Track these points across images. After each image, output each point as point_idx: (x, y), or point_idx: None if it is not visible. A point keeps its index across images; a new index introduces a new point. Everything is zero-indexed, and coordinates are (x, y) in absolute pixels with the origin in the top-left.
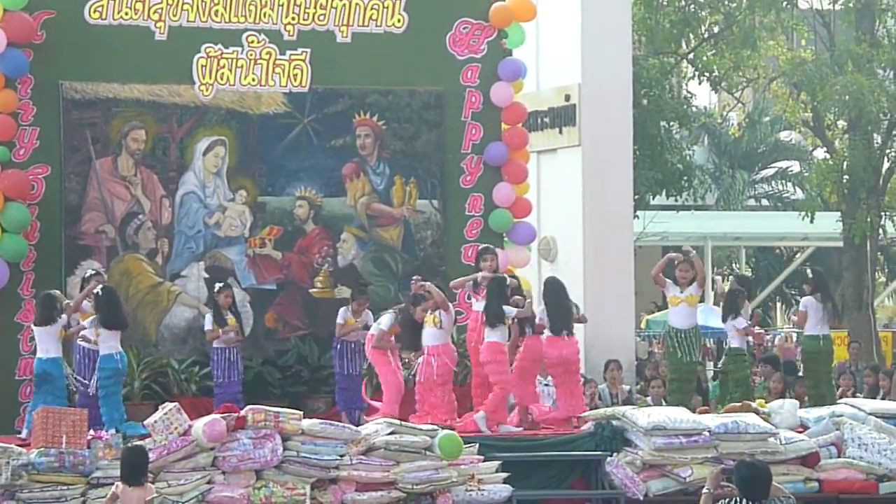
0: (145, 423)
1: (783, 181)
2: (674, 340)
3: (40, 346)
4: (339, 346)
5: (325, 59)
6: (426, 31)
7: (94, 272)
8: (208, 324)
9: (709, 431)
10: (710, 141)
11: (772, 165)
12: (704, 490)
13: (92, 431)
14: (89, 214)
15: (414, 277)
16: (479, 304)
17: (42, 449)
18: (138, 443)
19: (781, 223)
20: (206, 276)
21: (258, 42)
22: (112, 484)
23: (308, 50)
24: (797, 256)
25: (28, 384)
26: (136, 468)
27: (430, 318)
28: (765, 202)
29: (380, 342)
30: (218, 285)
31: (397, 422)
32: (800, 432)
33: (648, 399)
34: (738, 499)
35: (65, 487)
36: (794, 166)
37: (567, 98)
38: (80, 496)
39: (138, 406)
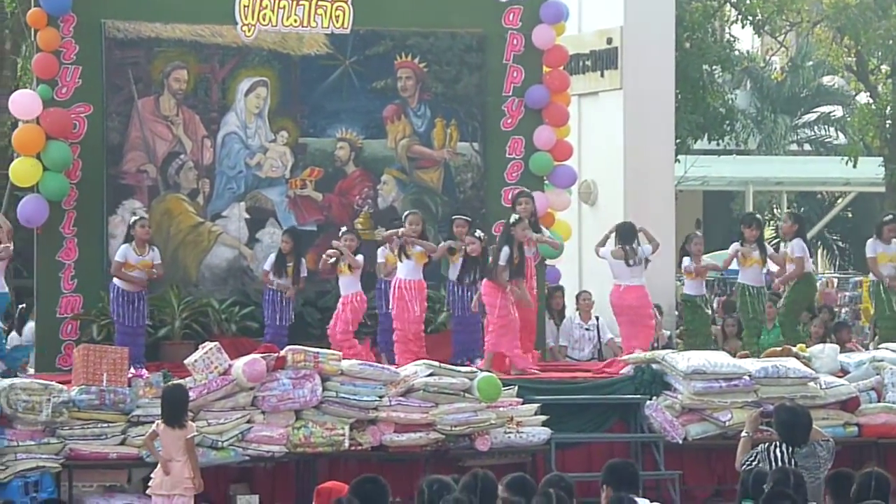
0: (185, 361)
1: (825, 126)
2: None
3: None
4: (381, 286)
5: (368, 0)
6: None
7: (139, 217)
8: (267, 265)
9: (749, 376)
10: (753, 85)
11: (814, 110)
12: (743, 434)
13: (132, 369)
14: (131, 154)
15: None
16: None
17: (83, 386)
18: (179, 381)
19: (823, 168)
20: (247, 216)
21: None
22: (152, 422)
23: None
24: (839, 201)
25: (70, 322)
26: (176, 407)
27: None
28: (807, 147)
29: None
30: (285, 231)
31: (436, 364)
32: (840, 377)
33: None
34: (777, 443)
35: (105, 425)
36: (837, 111)
37: (609, 41)
38: (121, 433)
39: (178, 345)
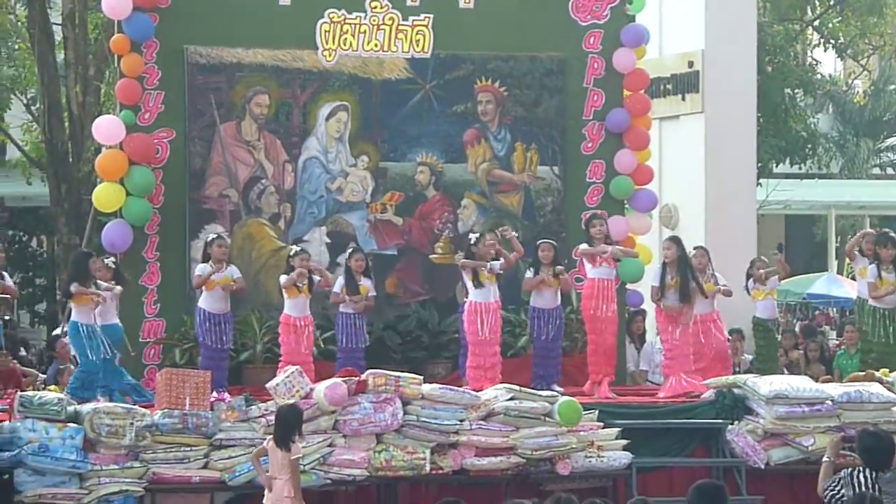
0: (267, 385)
1: None
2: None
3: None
4: (461, 310)
5: (448, 24)
6: None
7: (216, 235)
8: (336, 287)
9: (831, 400)
10: (835, 109)
11: None
12: (825, 458)
13: (215, 393)
14: (213, 178)
15: None
16: (594, 272)
17: (166, 410)
18: (293, 402)
19: None
20: (328, 241)
21: (381, 7)
22: (235, 446)
23: (430, 15)
24: None
25: (153, 346)
26: (286, 427)
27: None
28: (889, 170)
29: None
30: (349, 249)
31: (517, 387)
32: None
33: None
34: (861, 468)
35: (188, 448)
36: None
37: (690, 64)
38: (203, 457)
39: (260, 369)
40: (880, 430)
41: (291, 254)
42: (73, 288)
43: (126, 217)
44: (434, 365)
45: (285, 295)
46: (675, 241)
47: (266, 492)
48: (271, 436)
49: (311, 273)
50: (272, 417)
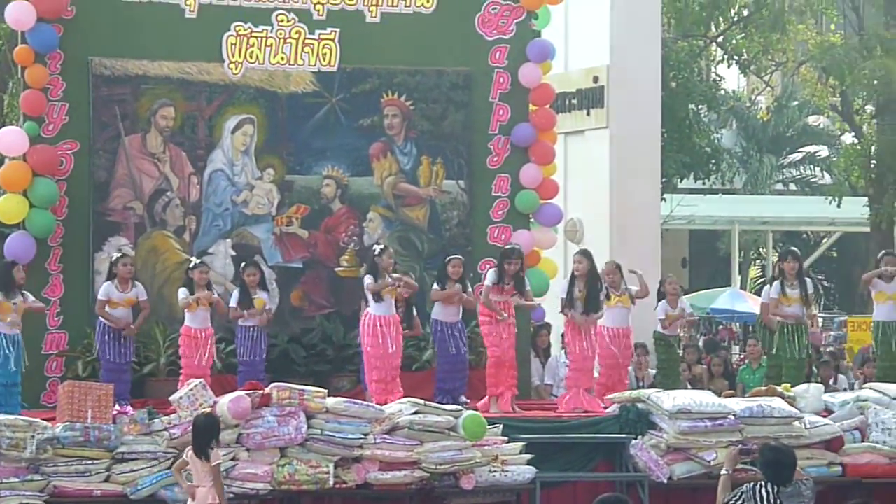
0: (170, 398)
1: (811, 165)
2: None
3: None
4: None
5: (354, 38)
6: (455, 12)
7: (121, 254)
8: (233, 301)
9: (734, 415)
10: (739, 124)
11: (800, 149)
12: (723, 472)
13: (118, 406)
14: (118, 191)
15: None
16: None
17: (67, 423)
18: (208, 411)
19: (809, 207)
20: (233, 253)
21: (288, 21)
22: (137, 459)
23: (337, 29)
24: (824, 241)
25: (55, 359)
26: (205, 438)
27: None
28: (792, 186)
29: None
30: (244, 263)
31: (421, 401)
32: (824, 416)
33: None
34: (763, 482)
35: (90, 462)
36: (822, 151)
37: (595, 80)
38: (105, 471)
39: (164, 381)
40: (781, 445)
41: (191, 266)
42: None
43: (29, 229)
44: (338, 378)
45: (181, 305)
46: (586, 254)
47: (189, 500)
48: (190, 447)
49: (212, 289)
50: (175, 430)
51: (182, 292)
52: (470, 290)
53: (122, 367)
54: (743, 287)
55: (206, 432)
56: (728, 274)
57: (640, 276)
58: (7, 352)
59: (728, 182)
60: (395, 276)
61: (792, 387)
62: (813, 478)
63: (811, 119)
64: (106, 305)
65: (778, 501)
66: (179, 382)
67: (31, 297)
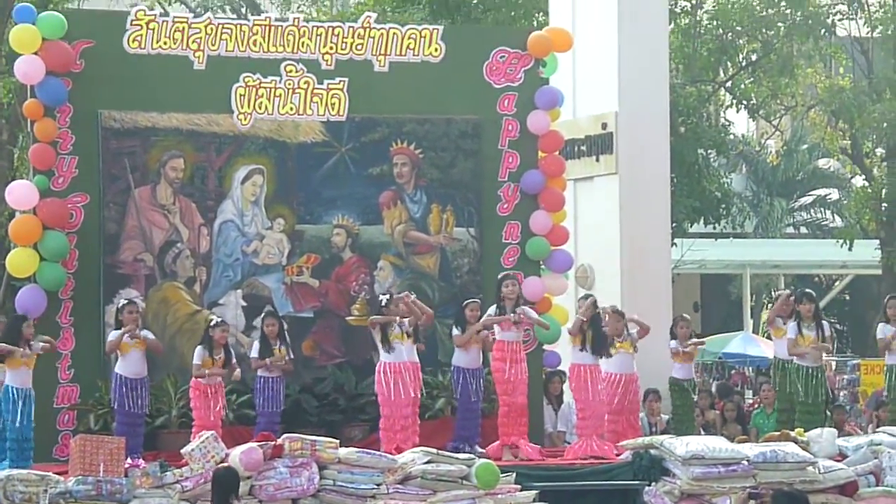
0: (182, 450)
1: (822, 209)
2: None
3: None
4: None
5: (363, 87)
6: (463, 60)
7: (126, 301)
8: (253, 352)
9: (747, 461)
10: (749, 168)
11: (810, 193)
12: None
13: (129, 460)
14: (128, 243)
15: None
16: (503, 334)
17: (80, 477)
18: (228, 465)
19: (820, 251)
20: (244, 304)
21: (296, 71)
22: None
23: (346, 79)
24: (836, 284)
25: (67, 412)
26: (226, 491)
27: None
28: (803, 230)
29: None
30: (263, 312)
31: (434, 450)
32: (838, 461)
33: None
34: None
35: None
36: (833, 194)
37: (604, 126)
38: None
39: (175, 434)
40: (794, 491)
41: (212, 324)
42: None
43: (40, 282)
44: (351, 428)
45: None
46: (587, 298)
47: None
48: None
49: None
50: (187, 483)
51: (198, 355)
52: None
53: (136, 420)
54: (755, 331)
55: (226, 485)
56: (740, 318)
57: (637, 319)
58: (18, 406)
59: (739, 226)
60: (410, 299)
61: (806, 431)
62: None
63: (821, 162)
64: (116, 345)
65: None
66: (192, 435)
67: (38, 345)
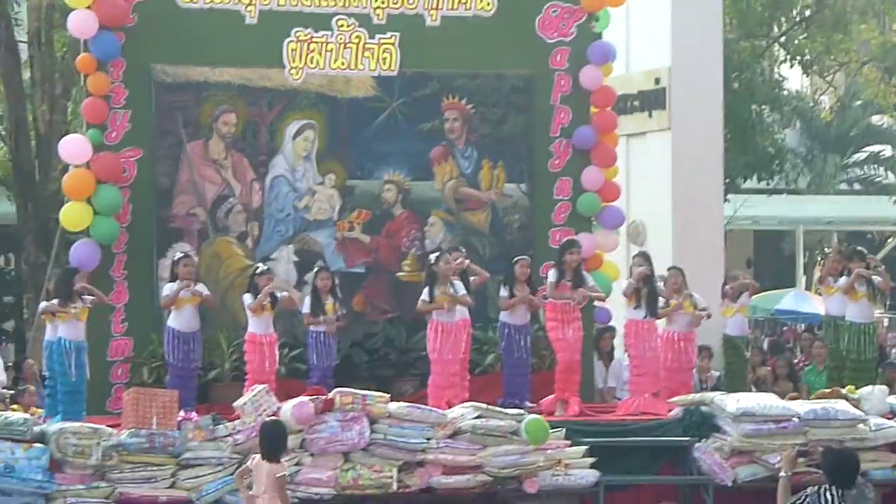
0: (234, 404)
1: (875, 165)
2: None
3: None
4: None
5: (414, 42)
6: (515, 15)
7: (182, 255)
8: (305, 307)
9: (798, 418)
10: (802, 124)
11: (864, 149)
12: (781, 474)
13: (182, 412)
14: (180, 197)
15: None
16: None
17: (132, 430)
18: (276, 418)
19: (873, 207)
20: (296, 259)
21: (347, 26)
22: (202, 465)
23: (397, 34)
24: (889, 241)
25: (121, 365)
26: (275, 444)
27: None
28: (856, 186)
29: None
30: (316, 268)
31: (483, 405)
32: (889, 419)
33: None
34: (826, 486)
35: (155, 468)
36: (886, 150)
37: (657, 81)
38: (171, 476)
39: (228, 387)
40: (844, 448)
41: (257, 273)
42: (45, 306)
43: (94, 236)
44: (402, 382)
45: (249, 314)
46: (645, 257)
47: None
48: (256, 455)
49: (275, 291)
50: (239, 436)
51: (247, 298)
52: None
53: (189, 373)
54: (808, 288)
55: (275, 439)
56: (793, 275)
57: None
58: (70, 359)
59: (792, 182)
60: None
61: (857, 389)
62: (878, 480)
63: (875, 118)
64: (172, 301)
65: None
66: (245, 388)
67: (88, 299)
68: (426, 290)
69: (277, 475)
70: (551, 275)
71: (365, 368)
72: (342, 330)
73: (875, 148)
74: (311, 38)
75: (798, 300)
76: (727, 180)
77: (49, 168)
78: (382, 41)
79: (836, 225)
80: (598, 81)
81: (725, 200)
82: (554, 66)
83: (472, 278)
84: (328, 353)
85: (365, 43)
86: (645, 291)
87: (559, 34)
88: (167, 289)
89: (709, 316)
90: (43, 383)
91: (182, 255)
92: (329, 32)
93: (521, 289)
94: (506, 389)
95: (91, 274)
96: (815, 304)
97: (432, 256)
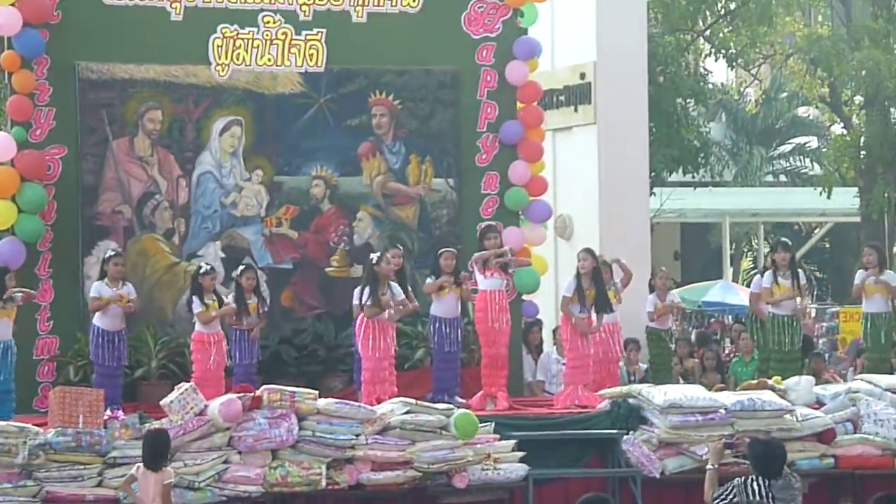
0: (161, 402)
1: (801, 157)
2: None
3: None
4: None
5: (341, 38)
6: (441, 11)
7: (113, 253)
8: (196, 306)
9: (725, 409)
10: (728, 117)
11: (789, 141)
12: (708, 466)
13: (108, 411)
14: (106, 194)
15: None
16: (486, 283)
17: (59, 428)
18: (160, 426)
19: (799, 199)
20: (223, 255)
21: (274, 22)
22: (129, 463)
23: (323, 30)
24: (816, 232)
25: (47, 363)
26: (156, 451)
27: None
28: (783, 178)
29: None
30: (240, 267)
31: (413, 401)
32: (816, 409)
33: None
34: (753, 476)
35: (82, 467)
36: (812, 142)
37: (582, 76)
38: (97, 475)
39: (155, 386)
40: (770, 439)
41: (201, 272)
42: None
43: (18, 234)
44: (331, 378)
45: (200, 319)
46: (591, 252)
47: None
48: (139, 463)
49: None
50: None
51: (196, 303)
52: (467, 284)
53: (114, 371)
54: (735, 279)
55: (158, 447)
56: (720, 266)
57: (621, 262)
58: (3, 360)
59: (717, 175)
60: (398, 301)
61: (783, 379)
62: (805, 470)
63: (800, 111)
64: (98, 301)
65: (769, 495)
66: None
67: (18, 296)
68: (366, 291)
69: (165, 482)
70: (475, 257)
71: (293, 364)
72: (263, 329)
73: (801, 140)
74: (238, 34)
75: (725, 291)
76: (653, 174)
77: None
78: (309, 37)
79: (762, 217)
80: (523, 77)
81: (652, 194)
82: (480, 62)
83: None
84: (250, 350)
85: (291, 39)
86: (592, 291)
87: (485, 30)
88: (95, 290)
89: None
90: None
91: (113, 253)
92: (255, 29)
93: (447, 280)
94: (435, 384)
95: (16, 272)
96: (742, 296)
97: (373, 256)
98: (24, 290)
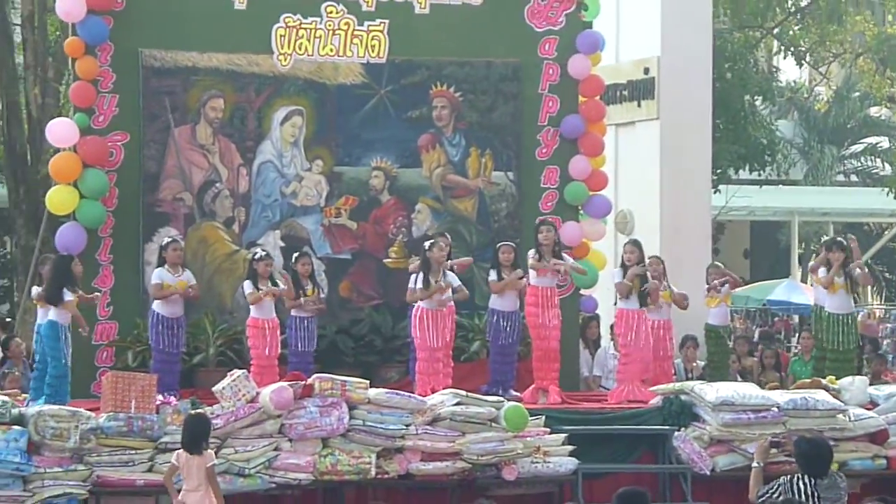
0: (213, 388)
1: (872, 157)
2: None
3: None
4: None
5: (403, 30)
6: (504, 3)
7: (171, 239)
8: (248, 287)
9: (777, 407)
10: (799, 115)
11: (861, 141)
12: (754, 464)
13: (160, 396)
14: (167, 182)
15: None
16: (537, 280)
17: (111, 413)
18: (200, 411)
19: (870, 199)
20: (282, 244)
21: (337, 12)
22: (178, 449)
23: (386, 21)
24: (886, 232)
25: (106, 349)
26: (196, 436)
27: None
28: (853, 178)
29: None
30: (296, 254)
31: (463, 392)
32: (869, 409)
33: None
34: (799, 475)
35: (133, 451)
36: (884, 142)
37: (646, 71)
38: (148, 460)
39: (212, 372)
40: (817, 437)
41: (256, 258)
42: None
43: (80, 219)
44: (387, 369)
45: (249, 300)
46: (637, 244)
47: None
48: (179, 450)
49: (275, 278)
50: (218, 421)
51: (248, 286)
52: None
53: (172, 357)
54: (804, 279)
55: (197, 431)
56: (789, 265)
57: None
58: (58, 342)
59: (785, 173)
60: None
61: (838, 379)
62: (857, 471)
63: (872, 110)
64: (161, 289)
65: (815, 494)
66: (250, 374)
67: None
68: (419, 277)
69: (208, 465)
70: (530, 254)
71: (350, 354)
72: (322, 314)
73: (872, 139)
74: (300, 24)
75: (790, 290)
76: (718, 171)
77: (41, 151)
78: (371, 28)
79: (831, 216)
80: (586, 70)
81: (717, 191)
82: (543, 55)
83: (453, 264)
84: (309, 337)
85: (354, 30)
86: (637, 282)
87: (548, 23)
88: (156, 276)
89: (682, 301)
90: (31, 367)
91: (170, 239)
92: (318, 19)
93: (508, 274)
94: (491, 377)
95: (77, 258)
96: (808, 295)
97: (427, 244)
98: (90, 296)
